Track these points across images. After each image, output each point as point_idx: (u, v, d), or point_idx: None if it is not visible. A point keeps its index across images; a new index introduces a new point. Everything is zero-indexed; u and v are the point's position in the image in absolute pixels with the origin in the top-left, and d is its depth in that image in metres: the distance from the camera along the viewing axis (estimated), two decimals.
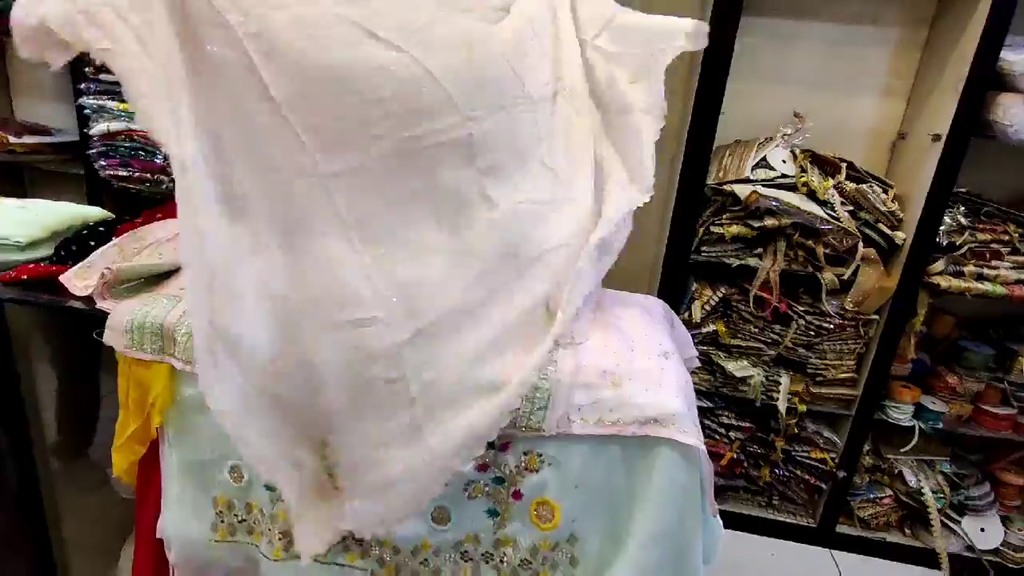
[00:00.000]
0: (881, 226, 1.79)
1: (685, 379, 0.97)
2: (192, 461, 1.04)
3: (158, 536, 1.07)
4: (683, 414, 0.89)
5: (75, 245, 1.16)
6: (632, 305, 1.22)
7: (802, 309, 1.86)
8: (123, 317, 1.01)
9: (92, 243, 1.16)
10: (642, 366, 0.96)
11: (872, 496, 2.00)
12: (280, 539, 1.01)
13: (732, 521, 2.03)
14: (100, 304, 1.04)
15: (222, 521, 1.06)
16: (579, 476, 0.92)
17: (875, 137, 1.93)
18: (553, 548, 0.96)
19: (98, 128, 2.23)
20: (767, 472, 2.00)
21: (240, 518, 1.05)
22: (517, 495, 0.95)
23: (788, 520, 2.04)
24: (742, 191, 1.78)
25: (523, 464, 0.94)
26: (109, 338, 1.02)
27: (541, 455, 0.93)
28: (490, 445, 0.94)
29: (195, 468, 1.04)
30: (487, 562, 0.97)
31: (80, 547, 1.42)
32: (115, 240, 1.15)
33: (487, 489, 0.95)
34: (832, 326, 1.84)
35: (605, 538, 0.95)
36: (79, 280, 1.09)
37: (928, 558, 1.97)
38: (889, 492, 2.00)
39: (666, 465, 0.89)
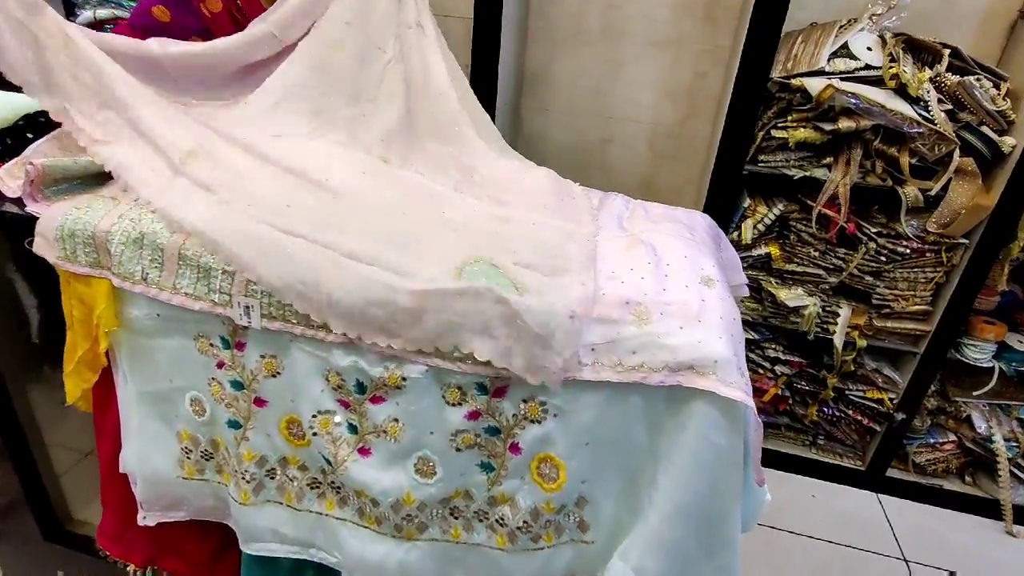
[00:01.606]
0: (985, 129, 1.46)
1: (732, 315, 0.76)
2: (149, 392, 0.91)
3: (121, 471, 0.96)
4: (727, 360, 0.69)
5: (10, 138, 0.98)
6: (669, 219, 0.99)
7: (874, 230, 1.58)
8: (53, 223, 0.84)
9: (29, 135, 0.98)
10: (677, 296, 0.75)
11: (933, 441, 1.78)
12: (247, 481, 0.88)
13: (771, 460, 1.86)
14: (30, 207, 0.87)
15: (188, 457, 0.93)
16: (590, 431, 0.74)
17: (990, 17, 1.55)
18: (558, 511, 0.80)
19: (84, 16, 2.01)
20: (814, 411, 1.80)
21: (207, 454, 0.93)
22: (515, 448, 0.78)
23: (833, 461, 1.86)
24: (814, 86, 1.46)
25: (522, 413, 0.76)
26: (39, 247, 0.86)
27: (544, 404, 0.75)
28: (482, 390, 0.76)
29: (153, 399, 0.91)
30: (480, 520, 0.82)
31: (74, 453, 1.36)
32: (56, 132, 0.97)
33: (479, 440, 0.78)
34: (908, 251, 1.57)
35: (621, 503, 0.78)
36: (11, 179, 0.92)
37: (988, 508, 1.78)
38: (952, 437, 1.78)
39: (701, 423, 0.70)
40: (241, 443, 0.87)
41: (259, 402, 0.85)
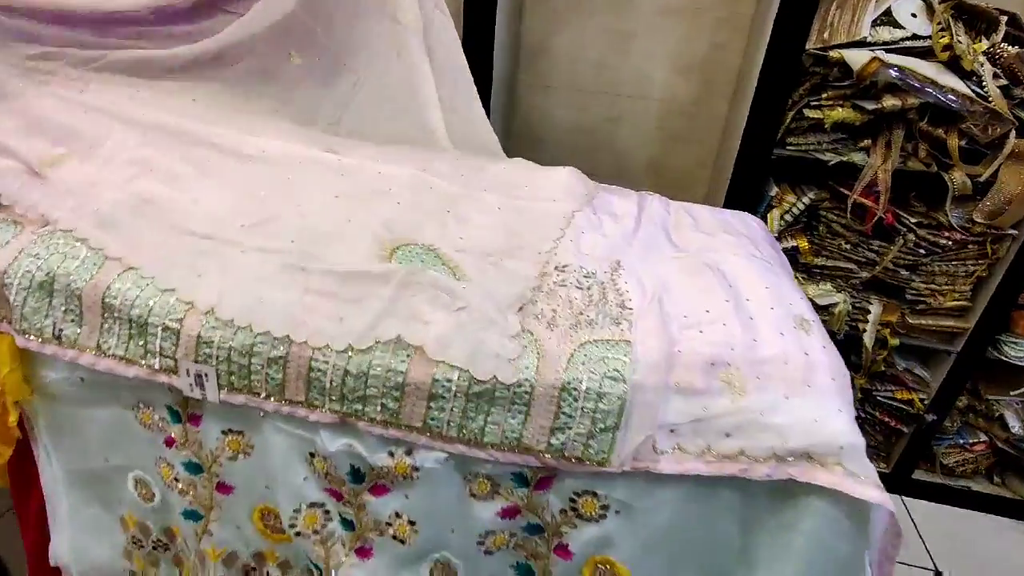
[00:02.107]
0: None
1: (842, 371, 0.58)
2: (81, 471, 0.70)
3: (52, 563, 0.76)
4: (854, 445, 0.52)
5: None
6: (722, 227, 0.81)
7: (913, 221, 1.42)
8: None
9: None
10: (773, 350, 0.56)
11: (962, 441, 1.66)
12: None
13: None
14: None
15: (138, 547, 0.73)
16: (666, 532, 0.56)
17: None
18: None
19: None
20: None
21: (161, 544, 0.73)
22: (563, 551, 0.59)
23: None
24: (856, 59, 1.27)
25: (574, 509, 0.57)
26: None
27: (604, 498, 0.56)
28: (520, 481, 0.57)
29: (86, 480, 0.70)
30: None
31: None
32: None
33: (515, 540, 0.60)
34: (950, 243, 1.41)
35: None
36: None
37: (1017, 509, 1.68)
38: (984, 438, 1.66)
39: (817, 525, 0.52)
40: (203, 538, 0.68)
41: (223, 488, 0.65)
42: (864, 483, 0.50)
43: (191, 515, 0.67)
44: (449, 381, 0.53)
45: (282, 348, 0.55)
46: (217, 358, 0.57)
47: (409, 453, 0.56)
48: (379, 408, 0.55)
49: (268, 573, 0.68)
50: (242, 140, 0.76)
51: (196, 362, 0.57)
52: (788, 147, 1.43)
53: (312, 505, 0.62)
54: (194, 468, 0.65)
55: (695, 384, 0.53)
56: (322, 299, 0.55)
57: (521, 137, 1.71)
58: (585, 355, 0.54)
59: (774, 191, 1.48)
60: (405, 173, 0.73)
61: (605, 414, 0.52)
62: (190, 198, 0.67)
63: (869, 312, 1.53)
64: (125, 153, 0.68)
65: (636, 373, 0.53)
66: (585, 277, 0.63)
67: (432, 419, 0.54)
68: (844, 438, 0.51)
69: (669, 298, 0.62)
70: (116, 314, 0.58)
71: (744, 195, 1.46)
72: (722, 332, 0.57)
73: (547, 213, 0.72)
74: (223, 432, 0.62)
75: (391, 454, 0.57)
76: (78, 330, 0.60)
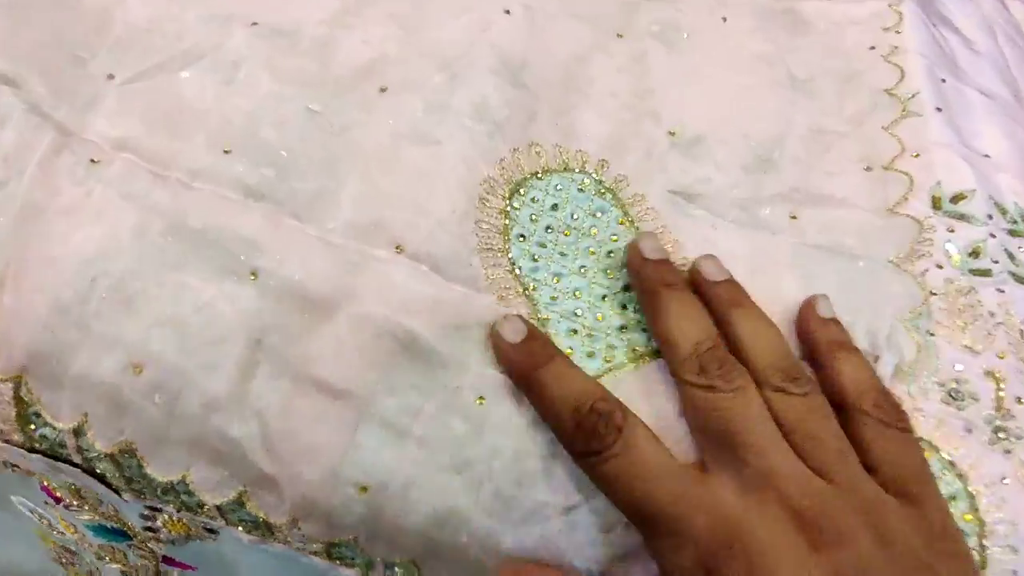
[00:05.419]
0: None
1: None
2: None
3: None
4: None
5: None
6: None
7: None
8: None
9: None
10: None
11: None
12: None
13: None
14: None
15: (68, 564, 0.46)
16: None
17: None
18: None
19: None
20: None
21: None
22: None
23: None
24: None
25: None
26: None
27: None
28: None
29: None
30: None
31: None
32: None
33: None
34: None
35: None
36: None
37: None
38: None
39: None
40: None
41: (175, 563, 0.35)
42: None
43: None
44: None
45: None
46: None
47: None
48: None
49: None
50: None
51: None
52: None
53: None
54: (114, 535, 0.33)
55: None
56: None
57: None
58: None
59: None
60: None
61: None
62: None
63: None
64: None
65: None
66: (1013, 234, 0.24)
67: None
68: None
69: None
70: None
71: None
72: None
73: (851, 47, 0.29)
74: (149, 509, 0.29)
75: None
76: None
